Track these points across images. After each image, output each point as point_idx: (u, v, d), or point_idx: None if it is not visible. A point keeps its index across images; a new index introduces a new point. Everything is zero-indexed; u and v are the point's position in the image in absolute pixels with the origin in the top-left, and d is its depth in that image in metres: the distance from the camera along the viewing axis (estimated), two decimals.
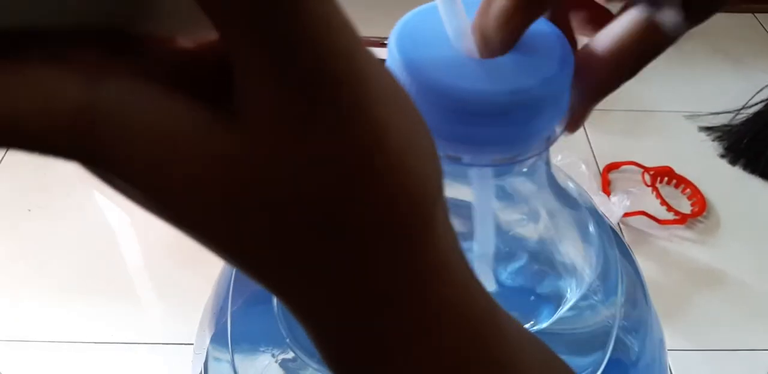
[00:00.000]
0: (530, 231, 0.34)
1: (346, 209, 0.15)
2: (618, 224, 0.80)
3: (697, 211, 0.84)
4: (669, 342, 0.43)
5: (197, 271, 0.76)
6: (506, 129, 0.24)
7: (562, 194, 0.33)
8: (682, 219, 0.82)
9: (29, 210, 0.83)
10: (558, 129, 0.26)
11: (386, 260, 0.15)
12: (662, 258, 0.80)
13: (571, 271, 0.35)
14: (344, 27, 0.13)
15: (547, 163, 0.30)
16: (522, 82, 0.23)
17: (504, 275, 0.34)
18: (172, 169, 0.14)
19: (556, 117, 0.25)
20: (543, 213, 0.33)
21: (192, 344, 0.66)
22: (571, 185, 0.35)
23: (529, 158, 0.27)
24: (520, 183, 0.30)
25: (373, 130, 0.14)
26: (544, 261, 0.35)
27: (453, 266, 0.17)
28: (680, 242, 0.81)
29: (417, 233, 0.16)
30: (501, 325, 0.18)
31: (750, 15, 1.18)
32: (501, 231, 0.32)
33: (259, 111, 0.14)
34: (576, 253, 0.35)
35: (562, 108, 0.25)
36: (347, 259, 0.15)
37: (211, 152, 0.14)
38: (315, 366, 0.34)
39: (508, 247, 0.33)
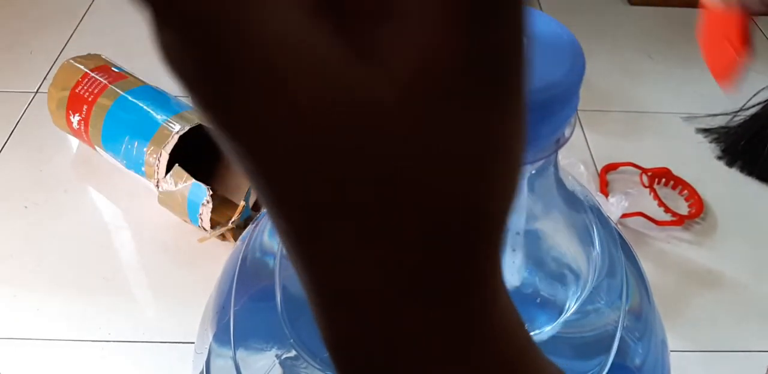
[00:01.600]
0: (536, 233, 0.34)
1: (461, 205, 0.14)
2: (616, 225, 0.80)
3: (695, 212, 0.84)
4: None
5: (194, 269, 0.76)
6: None
7: (569, 197, 0.33)
8: (679, 220, 0.82)
9: (25, 207, 0.83)
10: (568, 131, 0.26)
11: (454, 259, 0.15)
12: (659, 259, 0.80)
13: (577, 274, 0.35)
14: None
15: (555, 165, 0.30)
16: (537, 82, 0.23)
17: (509, 277, 0.34)
18: (289, 95, 0.12)
19: (566, 119, 0.25)
20: (549, 215, 0.33)
21: (189, 342, 0.66)
22: (577, 187, 0.35)
23: (539, 160, 0.27)
24: (528, 185, 0.30)
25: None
26: (548, 264, 0.35)
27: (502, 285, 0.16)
28: (677, 244, 0.81)
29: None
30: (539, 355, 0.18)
31: None
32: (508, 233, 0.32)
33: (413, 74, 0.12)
34: (581, 256, 0.35)
35: (572, 109, 0.25)
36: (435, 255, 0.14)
37: (340, 89, 0.12)
38: (317, 365, 0.34)
39: (513, 249, 0.33)
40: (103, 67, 0.83)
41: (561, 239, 0.35)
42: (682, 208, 0.86)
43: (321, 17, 0.12)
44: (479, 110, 0.13)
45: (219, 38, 0.12)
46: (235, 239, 0.76)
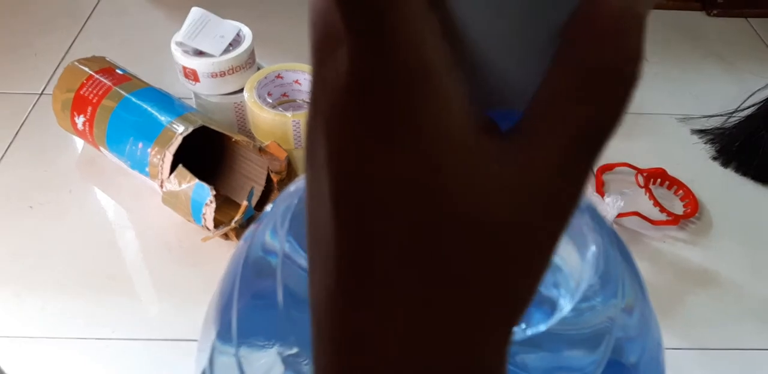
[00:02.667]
0: None
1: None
2: (612, 224, 0.81)
3: (690, 212, 0.84)
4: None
5: (196, 268, 0.76)
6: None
7: None
8: (674, 220, 0.83)
9: (30, 207, 0.83)
10: None
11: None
12: (655, 258, 0.80)
13: (572, 272, 0.35)
14: None
15: None
16: None
17: None
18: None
19: None
20: None
21: (192, 340, 0.67)
22: None
23: None
24: None
25: None
26: None
27: None
28: (673, 243, 0.82)
29: None
30: None
31: (742, 19, 1.18)
32: None
33: (543, 149, 0.17)
34: (577, 255, 0.36)
35: None
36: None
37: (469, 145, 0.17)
38: None
39: None
40: (108, 69, 0.84)
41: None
42: (678, 208, 0.86)
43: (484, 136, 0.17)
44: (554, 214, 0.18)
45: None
46: (238, 239, 0.77)
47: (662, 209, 0.84)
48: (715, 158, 0.93)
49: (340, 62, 0.16)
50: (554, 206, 0.17)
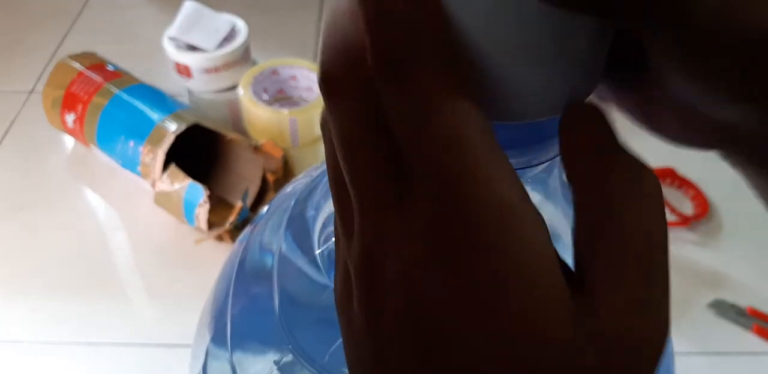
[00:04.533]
0: None
1: None
2: None
3: (700, 213, 0.83)
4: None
5: (189, 272, 0.75)
6: (520, 133, 0.23)
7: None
8: (684, 221, 0.81)
9: (21, 209, 0.82)
10: None
11: None
12: None
13: None
14: None
15: (560, 167, 0.29)
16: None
17: None
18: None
19: None
20: (554, 217, 0.32)
21: (185, 345, 0.66)
22: None
23: (544, 162, 0.26)
24: (532, 188, 0.29)
25: None
26: None
27: None
28: (682, 245, 0.80)
29: None
30: None
31: None
32: None
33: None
34: None
35: None
36: None
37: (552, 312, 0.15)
38: (316, 371, 0.33)
39: None
40: (98, 65, 0.82)
41: (563, 242, 0.34)
42: (687, 208, 0.85)
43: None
44: None
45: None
46: (233, 241, 0.76)
47: (672, 210, 0.82)
48: (725, 157, 0.91)
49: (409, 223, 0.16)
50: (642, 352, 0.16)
